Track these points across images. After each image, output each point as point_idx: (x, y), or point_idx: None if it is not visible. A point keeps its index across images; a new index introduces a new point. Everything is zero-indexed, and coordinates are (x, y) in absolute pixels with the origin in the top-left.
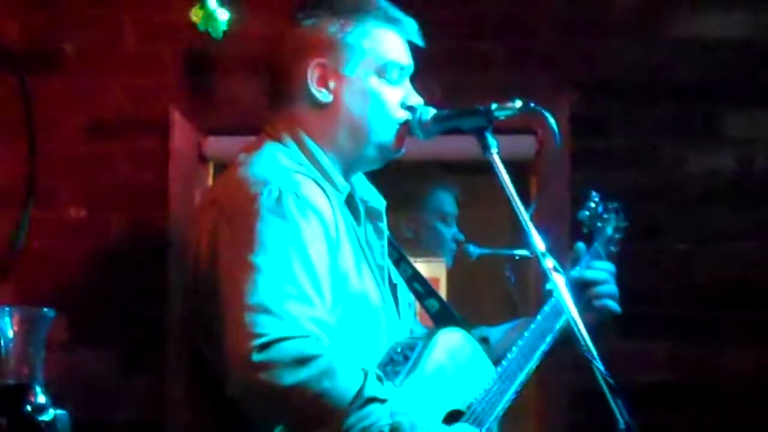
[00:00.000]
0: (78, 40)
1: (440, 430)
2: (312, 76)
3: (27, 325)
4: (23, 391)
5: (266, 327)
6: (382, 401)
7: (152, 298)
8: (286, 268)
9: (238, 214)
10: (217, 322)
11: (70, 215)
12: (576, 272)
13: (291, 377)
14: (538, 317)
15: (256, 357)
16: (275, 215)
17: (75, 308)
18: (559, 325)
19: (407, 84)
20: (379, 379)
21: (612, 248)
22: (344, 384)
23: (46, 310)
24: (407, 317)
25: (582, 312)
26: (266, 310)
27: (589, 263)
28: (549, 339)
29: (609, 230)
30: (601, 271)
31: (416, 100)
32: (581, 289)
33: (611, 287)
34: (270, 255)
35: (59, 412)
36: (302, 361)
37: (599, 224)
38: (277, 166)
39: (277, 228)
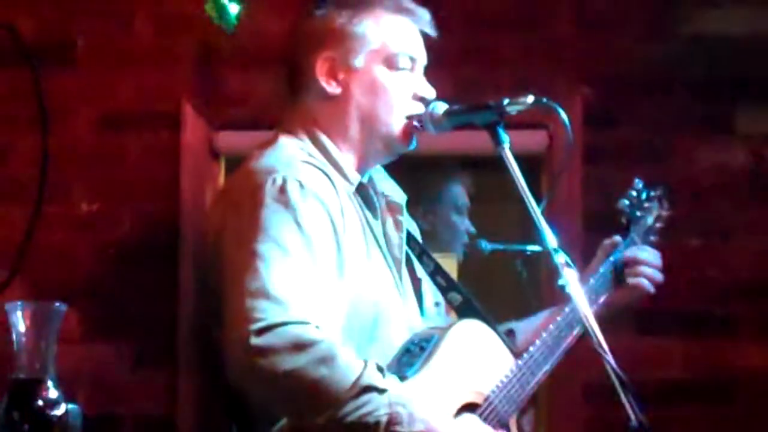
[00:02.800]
0: (91, 33)
1: (440, 422)
2: (321, 68)
3: (39, 319)
4: (35, 385)
5: (265, 312)
6: (381, 391)
7: (164, 292)
8: (287, 254)
9: (243, 203)
10: (223, 309)
11: (82, 209)
12: (617, 255)
13: (288, 362)
14: (566, 309)
15: (254, 341)
16: (279, 203)
17: (87, 302)
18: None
19: (419, 75)
20: (380, 369)
21: (651, 237)
22: (342, 372)
23: (57, 304)
24: (434, 314)
25: (613, 291)
26: (266, 296)
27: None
28: (576, 330)
29: (649, 220)
30: (651, 254)
31: (428, 91)
32: (621, 266)
33: (656, 272)
34: (272, 242)
35: (71, 406)
36: (300, 346)
37: (638, 213)
38: (284, 156)
39: (280, 215)
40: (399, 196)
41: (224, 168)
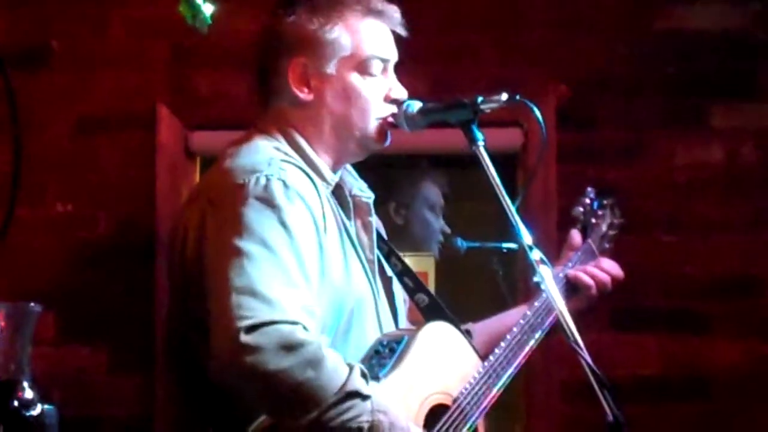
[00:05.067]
0: (64, 36)
1: None
2: (293, 75)
3: (14, 320)
4: (11, 386)
5: (253, 310)
6: (365, 397)
7: (140, 293)
8: (273, 253)
9: (225, 202)
10: (205, 309)
11: (57, 211)
12: (574, 260)
13: (275, 362)
14: (528, 312)
15: (243, 338)
16: (263, 202)
17: (63, 304)
18: (548, 321)
19: (392, 76)
20: (364, 375)
21: (606, 245)
22: (328, 375)
23: (33, 305)
24: (403, 313)
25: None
26: (253, 294)
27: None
28: (538, 335)
29: (603, 227)
30: (605, 262)
31: (400, 92)
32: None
33: (606, 276)
34: (257, 240)
35: (47, 407)
36: (288, 347)
37: (593, 220)
38: (264, 155)
39: (265, 214)
40: (366, 195)
41: (200, 168)
